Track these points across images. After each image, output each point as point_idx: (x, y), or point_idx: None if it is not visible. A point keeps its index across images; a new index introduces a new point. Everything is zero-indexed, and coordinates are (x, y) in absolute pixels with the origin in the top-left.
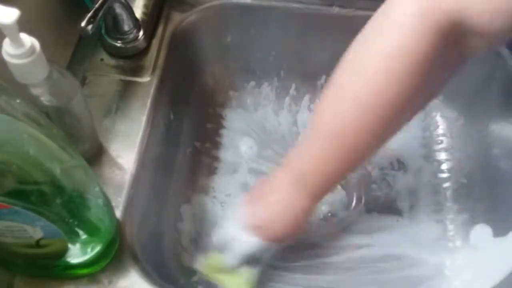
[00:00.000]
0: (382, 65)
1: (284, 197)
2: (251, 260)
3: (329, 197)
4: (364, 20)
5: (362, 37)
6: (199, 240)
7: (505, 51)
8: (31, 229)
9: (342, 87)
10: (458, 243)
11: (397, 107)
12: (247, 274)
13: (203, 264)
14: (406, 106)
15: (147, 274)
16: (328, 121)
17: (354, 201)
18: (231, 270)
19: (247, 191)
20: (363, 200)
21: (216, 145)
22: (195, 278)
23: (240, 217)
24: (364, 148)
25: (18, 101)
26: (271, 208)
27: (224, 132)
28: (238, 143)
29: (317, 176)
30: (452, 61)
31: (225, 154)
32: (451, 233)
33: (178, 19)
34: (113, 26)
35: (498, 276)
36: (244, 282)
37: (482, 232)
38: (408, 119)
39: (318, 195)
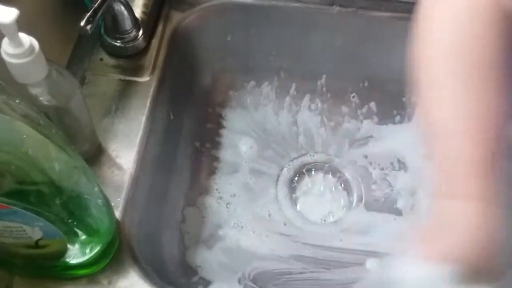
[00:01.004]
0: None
1: (475, 221)
2: None
3: (329, 197)
4: (365, 20)
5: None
6: (205, 241)
7: None
8: (30, 229)
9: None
10: None
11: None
12: None
13: None
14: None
15: (146, 274)
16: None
17: (355, 201)
18: None
19: (249, 191)
20: (363, 200)
21: (216, 145)
22: (195, 279)
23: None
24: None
25: (17, 101)
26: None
27: (224, 132)
28: (238, 143)
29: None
30: None
31: (225, 154)
32: None
33: (177, 18)
34: (112, 26)
35: None
36: None
37: None
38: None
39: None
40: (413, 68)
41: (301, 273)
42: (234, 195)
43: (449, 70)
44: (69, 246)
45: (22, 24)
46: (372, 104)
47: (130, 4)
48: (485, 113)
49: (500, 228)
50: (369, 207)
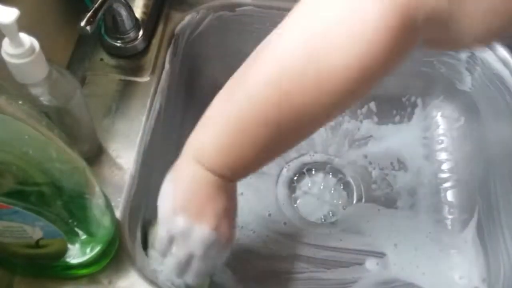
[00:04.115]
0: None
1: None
2: None
3: (329, 197)
4: None
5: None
6: None
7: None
8: (31, 229)
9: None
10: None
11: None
12: None
13: None
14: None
15: (146, 274)
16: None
17: (355, 201)
18: None
19: (249, 191)
20: (363, 200)
21: None
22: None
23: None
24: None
25: (20, 102)
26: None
27: None
28: None
29: (214, 150)
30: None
31: None
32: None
33: (177, 19)
34: (112, 26)
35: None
36: None
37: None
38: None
39: (239, 175)
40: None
41: (301, 273)
42: (245, 194)
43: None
44: (69, 246)
45: (23, 24)
46: (372, 104)
47: (130, 4)
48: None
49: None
50: (368, 207)
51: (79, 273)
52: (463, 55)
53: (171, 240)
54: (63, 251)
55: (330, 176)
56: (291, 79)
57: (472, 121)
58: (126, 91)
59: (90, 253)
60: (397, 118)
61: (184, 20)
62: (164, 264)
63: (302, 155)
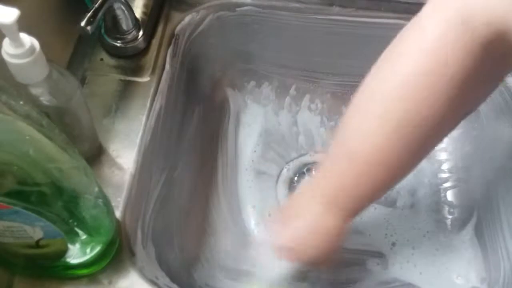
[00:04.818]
0: (417, 81)
1: (315, 218)
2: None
3: None
4: (364, 20)
5: (390, 53)
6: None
7: None
8: (31, 229)
9: (369, 102)
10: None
11: (428, 127)
12: None
13: None
14: (437, 127)
15: (146, 274)
16: (354, 141)
17: None
18: None
19: (250, 190)
20: None
21: (216, 145)
22: (195, 277)
23: (271, 238)
24: (394, 168)
25: (21, 102)
26: (302, 230)
27: (224, 132)
28: (238, 143)
29: (349, 196)
30: (494, 77)
31: (226, 154)
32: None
33: (178, 19)
34: (112, 26)
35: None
36: None
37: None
38: (438, 141)
39: (351, 214)
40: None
41: (300, 272)
42: (243, 196)
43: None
44: (69, 246)
45: (23, 24)
46: None
47: (130, 4)
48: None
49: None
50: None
51: (79, 273)
52: None
53: None
54: (63, 251)
55: None
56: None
57: (472, 121)
58: (126, 91)
59: (90, 253)
60: None
61: (184, 20)
62: None
63: (302, 155)
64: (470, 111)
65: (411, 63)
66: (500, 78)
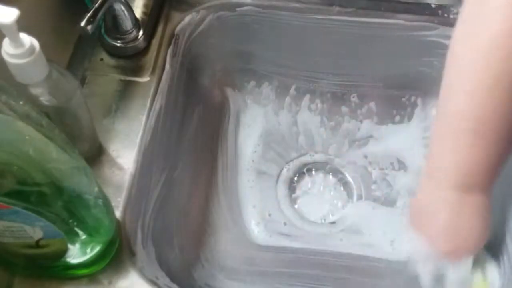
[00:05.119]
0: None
1: (457, 205)
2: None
3: (329, 197)
4: (364, 20)
5: (475, 13)
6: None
7: None
8: (31, 229)
9: (460, 69)
10: None
11: None
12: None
13: None
14: None
15: (146, 274)
16: (457, 110)
17: (354, 201)
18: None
19: (250, 192)
20: (363, 200)
21: (217, 145)
22: (195, 277)
23: (426, 254)
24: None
25: (21, 102)
26: (454, 225)
27: (224, 132)
28: (238, 143)
29: (472, 168)
30: None
31: (226, 154)
32: None
33: (178, 18)
34: (113, 26)
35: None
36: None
37: None
38: None
39: (486, 184)
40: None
41: (301, 272)
42: (243, 197)
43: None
44: (69, 246)
45: (23, 24)
46: (372, 104)
47: (130, 4)
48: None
49: (482, 216)
50: (368, 207)
51: (79, 273)
52: None
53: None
54: (63, 251)
55: (330, 176)
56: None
57: None
58: (126, 91)
59: (90, 253)
60: (397, 118)
61: (184, 20)
62: None
63: (302, 155)
64: None
65: (505, 16)
66: None
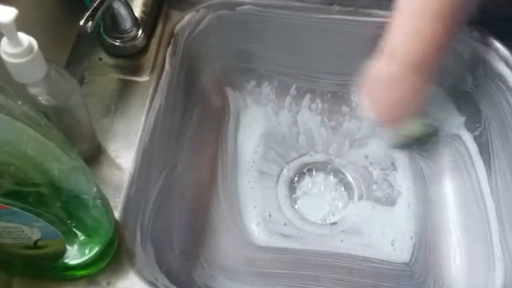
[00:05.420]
0: None
1: (401, 81)
2: None
3: (330, 197)
4: (365, 19)
5: None
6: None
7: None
8: (29, 230)
9: None
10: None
11: None
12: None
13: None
14: None
15: (146, 275)
16: None
17: (355, 201)
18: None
19: (250, 192)
20: (364, 200)
21: (216, 145)
22: (195, 278)
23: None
24: None
25: (19, 102)
26: (396, 98)
27: (224, 132)
28: (238, 143)
29: (417, 48)
30: None
31: (226, 154)
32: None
33: (177, 18)
34: (112, 25)
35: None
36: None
37: None
38: None
39: (429, 64)
40: None
41: (301, 273)
42: (244, 196)
43: None
44: (68, 246)
45: (21, 23)
46: None
47: (130, 3)
48: None
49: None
50: (369, 207)
51: (77, 274)
52: (465, 55)
53: None
54: (62, 252)
55: (331, 176)
56: None
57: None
58: (125, 90)
59: (88, 254)
60: None
61: (184, 19)
62: None
63: (303, 155)
64: None
65: None
66: None
